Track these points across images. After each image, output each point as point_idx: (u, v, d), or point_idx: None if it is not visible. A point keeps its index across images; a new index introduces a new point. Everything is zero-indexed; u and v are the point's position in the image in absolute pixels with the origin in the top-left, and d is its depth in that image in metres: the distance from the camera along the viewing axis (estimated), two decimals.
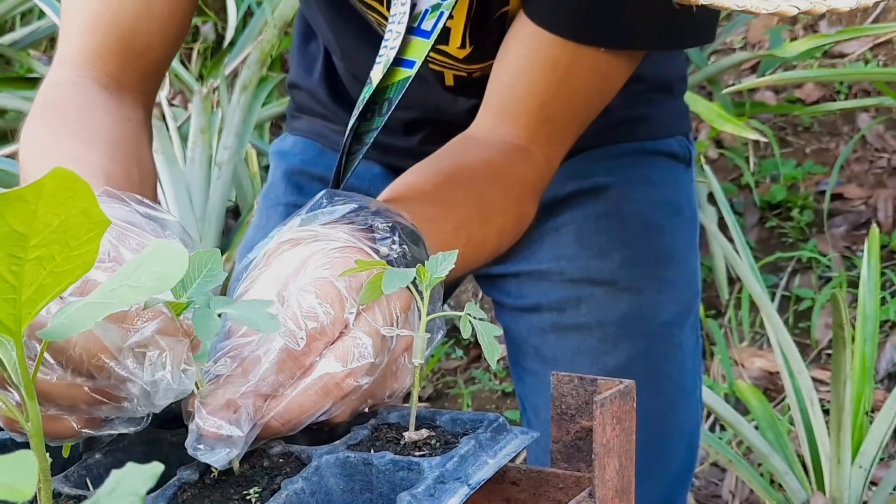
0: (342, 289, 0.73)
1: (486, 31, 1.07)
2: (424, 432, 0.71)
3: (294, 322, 0.71)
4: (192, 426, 0.69)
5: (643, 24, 0.99)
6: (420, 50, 0.93)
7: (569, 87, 1.01)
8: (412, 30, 0.94)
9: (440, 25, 0.93)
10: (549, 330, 1.22)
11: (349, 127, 0.95)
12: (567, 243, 1.19)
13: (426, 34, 0.93)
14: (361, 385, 0.72)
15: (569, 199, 1.17)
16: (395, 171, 1.26)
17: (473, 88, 1.14)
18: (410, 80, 0.93)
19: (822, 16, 3.38)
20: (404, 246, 0.78)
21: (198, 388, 0.69)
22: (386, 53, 0.93)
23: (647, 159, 1.23)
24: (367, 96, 0.93)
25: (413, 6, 0.94)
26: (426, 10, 0.94)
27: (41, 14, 3.29)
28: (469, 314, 0.70)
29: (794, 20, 3.40)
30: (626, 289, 1.19)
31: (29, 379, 0.56)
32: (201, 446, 0.67)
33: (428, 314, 0.72)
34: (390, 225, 0.79)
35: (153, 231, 0.74)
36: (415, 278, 0.71)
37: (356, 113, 0.94)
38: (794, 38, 3.30)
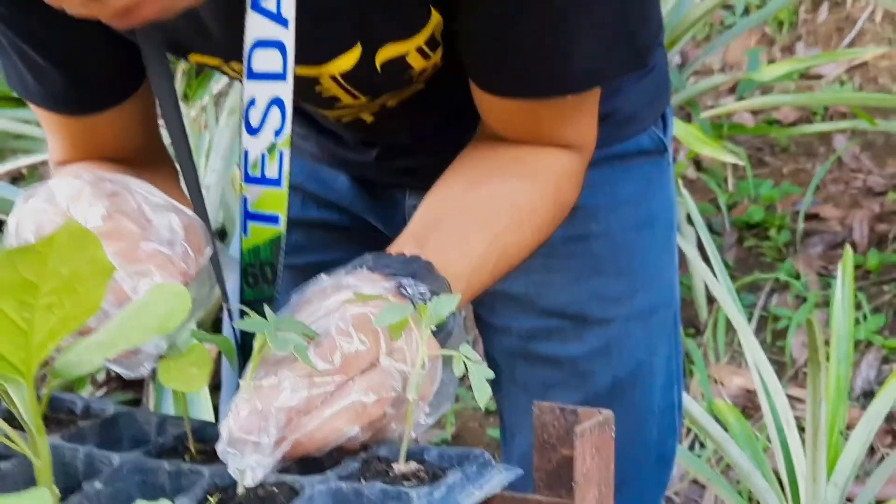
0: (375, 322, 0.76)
1: (367, 79, 0.98)
2: (414, 465, 0.74)
3: (329, 345, 0.75)
4: (222, 428, 0.72)
5: (604, 58, 0.95)
6: (278, 201, 0.88)
7: (554, 119, 1.00)
8: (258, 180, 0.88)
9: (286, 168, 0.87)
10: (518, 355, 1.20)
11: (238, 299, 0.92)
12: (537, 268, 1.14)
13: (276, 182, 0.88)
14: (387, 414, 0.76)
15: None
16: (361, 182, 1.21)
17: (401, 111, 1.07)
18: (283, 240, 0.88)
19: (798, 37, 3.42)
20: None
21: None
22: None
23: (615, 169, 1.16)
24: (243, 265, 0.91)
25: (246, 154, 0.89)
26: (263, 156, 0.88)
27: None
28: (464, 355, 0.74)
29: (771, 42, 3.47)
30: (597, 322, 1.18)
31: (39, 418, 0.60)
32: (231, 450, 0.71)
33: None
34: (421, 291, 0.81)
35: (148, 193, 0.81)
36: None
37: (241, 283, 0.92)
38: (771, 61, 3.36)
